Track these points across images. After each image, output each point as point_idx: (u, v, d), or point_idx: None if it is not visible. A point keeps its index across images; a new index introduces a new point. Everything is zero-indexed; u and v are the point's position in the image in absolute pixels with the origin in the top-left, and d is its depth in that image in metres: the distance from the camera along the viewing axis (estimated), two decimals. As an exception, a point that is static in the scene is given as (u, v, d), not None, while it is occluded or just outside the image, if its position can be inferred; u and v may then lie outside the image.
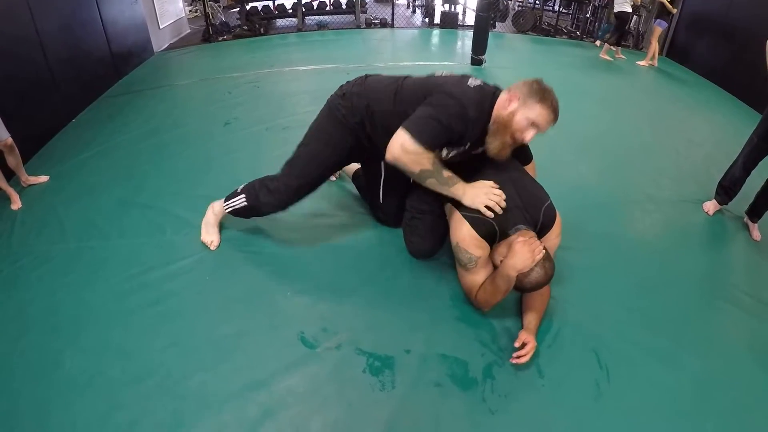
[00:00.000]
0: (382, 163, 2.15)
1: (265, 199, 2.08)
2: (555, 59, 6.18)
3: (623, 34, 6.63)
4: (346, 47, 5.85)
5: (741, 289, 2.25)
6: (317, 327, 1.76)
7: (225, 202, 2.16)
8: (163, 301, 1.86)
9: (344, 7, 7.40)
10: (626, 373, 1.75)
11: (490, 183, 1.77)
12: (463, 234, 1.76)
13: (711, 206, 2.86)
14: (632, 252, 2.42)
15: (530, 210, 1.80)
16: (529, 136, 1.75)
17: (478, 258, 1.77)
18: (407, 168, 1.73)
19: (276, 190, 2.07)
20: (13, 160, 2.48)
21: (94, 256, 2.10)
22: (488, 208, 1.72)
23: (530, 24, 7.87)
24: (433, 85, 1.82)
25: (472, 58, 5.44)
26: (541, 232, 1.83)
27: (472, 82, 1.81)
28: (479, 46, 5.39)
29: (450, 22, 7.62)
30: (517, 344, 1.69)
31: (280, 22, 7.01)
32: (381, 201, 2.27)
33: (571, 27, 8.49)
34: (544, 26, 8.02)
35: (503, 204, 1.73)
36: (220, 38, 5.77)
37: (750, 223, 2.73)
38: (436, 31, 7.43)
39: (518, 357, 1.66)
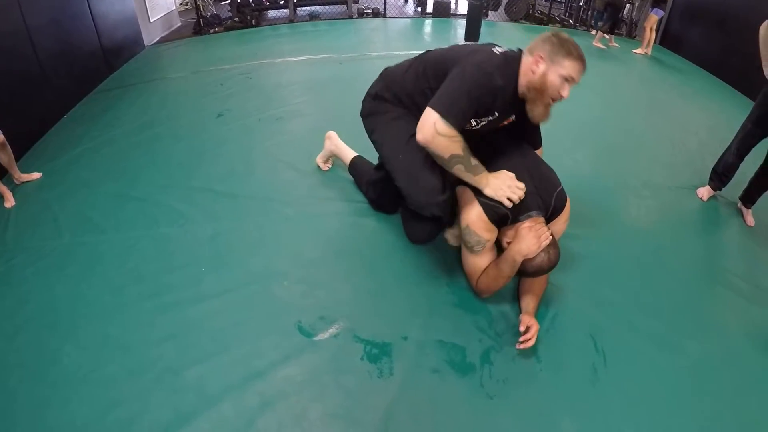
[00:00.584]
0: None
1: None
2: None
3: (616, 22, 6.53)
4: (338, 37, 5.76)
5: (736, 273, 2.24)
6: (314, 315, 1.74)
7: None
8: (160, 294, 1.82)
9: (336, -3, 7.28)
10: (623, 357, 1.74)
11: (512, 175, 1.73)
12: (474, 217, 1.74)
13: (705, 192, 2.85)
14: (628, 237, 2.42)
15: (543, 195, 1.78)
16: (566, 92, 1.70)
17: (486, 241, 1.75)
18: (438, 152, 1.67)
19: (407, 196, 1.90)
20: (6, 158, 2.42)
21: (89, 250, 2.06)
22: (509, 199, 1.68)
23: (523, 12, 7.77)
24: (456, 56, 1.75)
25: None
26: (551, 216, 1.82)
27: (497, 49, 1.76)
28: (472, 35, 5.31)
29: (443, 11, 7.51)
30: (521, 328, 1.67)
31: (272, 13, 6.89)
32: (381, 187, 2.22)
33: (564, 15, 8.39)
34: (537, 14, 7.91)
35: (522, 195, 1.70)
36: (211, 30, 5.66)
37: (744, 209, 2.73)
38: (428, 21, 7.32)
39: (524, 341, 1.64)
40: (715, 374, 1.73)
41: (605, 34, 6.29)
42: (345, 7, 7.29)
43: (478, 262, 1.80)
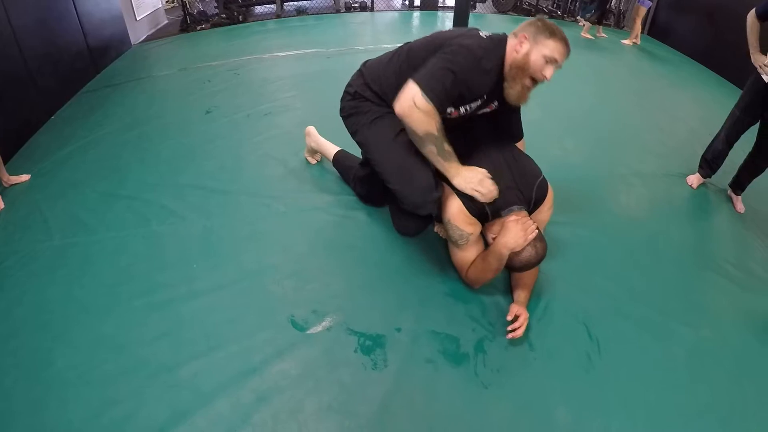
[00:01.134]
0: None
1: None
2: None
3: (604, 12, 6.50)
4: (325, 32, 5.69)
5: (727, 260, 2.25)
6: (307, 309, 1.73)
7: None
8: (152, 292, 1.80)
9: (323, -9, 7.19)
10: (616, 344, 1.74)
11: (485, 171, 1.69)
12: (455, 211, 1.72)
13: (695, 180, 2.86)
14: (618, 225, 2.40)
15: (523, 189, 1.77)
16: (549, 72, 1.68)
17: (469, 235, 1.74)
18: (413, 127, 1.61)
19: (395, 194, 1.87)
20: (-7, 161, 2.37)
21: (80, 251, 2.03)
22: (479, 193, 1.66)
23: (511, 4, 7.71)
24: (442, 39, 1.71)
25: None
26: (534, 207, 1.81)
27: (483, 33, 1.73)
28: (460, 27, 5.26)
29: (430, 3, 7.43)
30: (509, 317, 1.67)
31: (259, 9, 6.79)
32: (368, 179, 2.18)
33: (552, 6, 8.34)
34: (524, 6, 7.86)
35: (494, 195, 1.67)
36: (198, 27, 5.57)
37: (734, 196, 2.74)
38: (416, 14, 7.25)
39: (513, 331, 1.65)
40: (709, 360, 1.73)
41: (593, 25, 6.25)
42: (332, 1, 7.21)
43: (465, 255, 1.80)
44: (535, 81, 1.70)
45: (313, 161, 2.60)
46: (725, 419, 1.54)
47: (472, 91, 1.69)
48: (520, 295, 1.79)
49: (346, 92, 1.97)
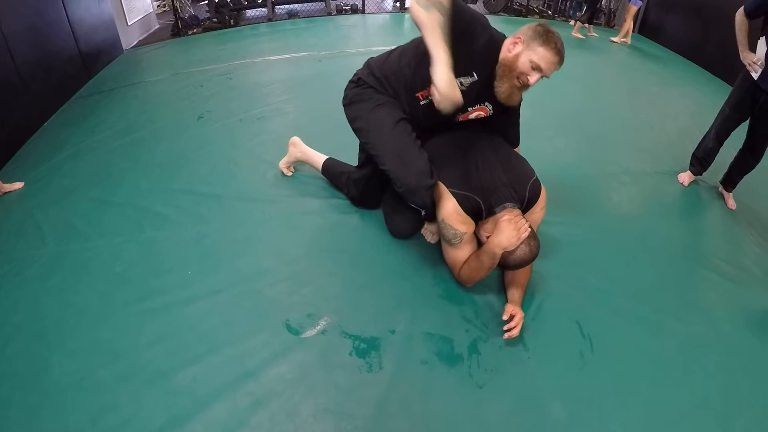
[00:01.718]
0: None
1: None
2: None
3: (595, 11, 6.51)
4: (317, 35, 5.68)
5: (719, 256, 2.25)
6: (302, 313, 1.73)
7: None
8: (148, 298, 1.79)
9: (314, -6, 7.17)
10: (610, 341, 1.75)
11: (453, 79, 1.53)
12: (449, 210, 1.73)
13: (686, 177, 2.85)
14: (610, 224, 2.40)
15: (517, 187, 1.78)
16: (533, 79, 1.67)
17: (463, 234, 1.74)
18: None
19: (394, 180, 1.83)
20: (-14, 169, 2.35)
21: (74, 258, 2.01)
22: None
23: (502, 5, 7.71)
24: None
25: None
26: (527, 207, 1.82)
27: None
28: None
29: (421, 5, 7.44)
30: (505, 317, 1.66)
31: (250, 13, 6.76)
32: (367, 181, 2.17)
33: (543, 7, 8.35)
34: (515, 6, 7.87)
35: (451, 98, 1.51)
36: (190, 32, 5.53)
37: (725, 193, 2.73)
38: (407, 15, 7.21)
39: (509, 330, 1.64)
40: (703, 356, 1.73)
41: (584, 24, 6.26)
42: (323, 4, 7.19)
43: (458, 254, 1.80)
44: (521, 83, 1.70)
45: (288, 173, 2.54)
46: (720, 413, 1.55)
47: (474, 39, 1.65)
48: (515, 294, 1.79)
49: (350, 81, 1.97)
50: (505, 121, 1.96)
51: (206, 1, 6.09)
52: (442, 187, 1.77)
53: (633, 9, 5.97)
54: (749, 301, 2.02)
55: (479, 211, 1.73)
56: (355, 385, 1.51)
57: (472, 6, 8.06)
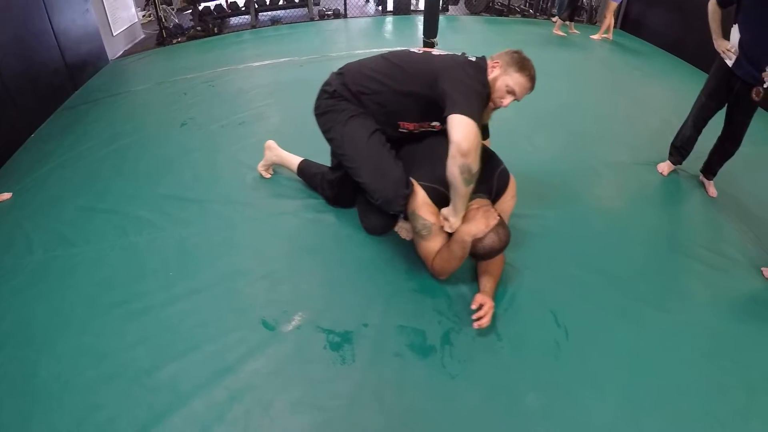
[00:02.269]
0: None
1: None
2: (508, 37, 6.01)
3: (576, 9, 6.43)
4: (299, 40, 5.65)
5: (700, 243, 2.21)
6: (278, 310, 1.74)
7: None
8: (132, 300, 1.81)
9: (297, 0, 7.13)
10: (586, 330, 1.71)
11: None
12: (419, 201, 1.74)
13: (665, 167, 2.80)
14: (588, 215, 2.37)
15: (484, 179, 1.77)
16: (506, 101, 1.76)
17: (432, 224, 1.74)
18: (474, 165, 1.58)
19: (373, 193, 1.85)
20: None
21: (61, 265, 2.02)
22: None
23: (483, 5, 7.60)
24: (434, 67, 1.74)
25: (423, 41, 5.22)
26: (496, 197, 1.82)
27: (469, 58, 1.80)
28: (430, 30, 5.14)
29: (403, 8, 7.37)
30: (473, 306, 1.64)
31: (234, 20, 6.71)
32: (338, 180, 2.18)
33: (525, 6, 8.25)
34: (497, 6, 7.75)
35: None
36: (175, 41, 5.47)
37: (705, 181, 2.69)
38: (389, 18, 7.17)
39: (478, 320, 1.61)
40: (684, 344, 1.70)
41: (565, 22, 6.19)
42: (306, 9, 7.15)
43: (429, 245, 1.79)
44: (494, 105, 1.78)
45: (267, 175, 2.55)
46: (701, 400, 1.52)
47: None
48: (486, 284, 1.77)
49: (323, 90, 1.96)
50: None
51: (190, 10, 6.01)
52: (413, 180, 1.78)
53: (613, 5, 5.89)
54: (731, 288, 1.99)
55: (448, 203, 1.73)
56: (328, 378, 1.52)
57: (453, 7, 8.00)
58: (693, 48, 5.17)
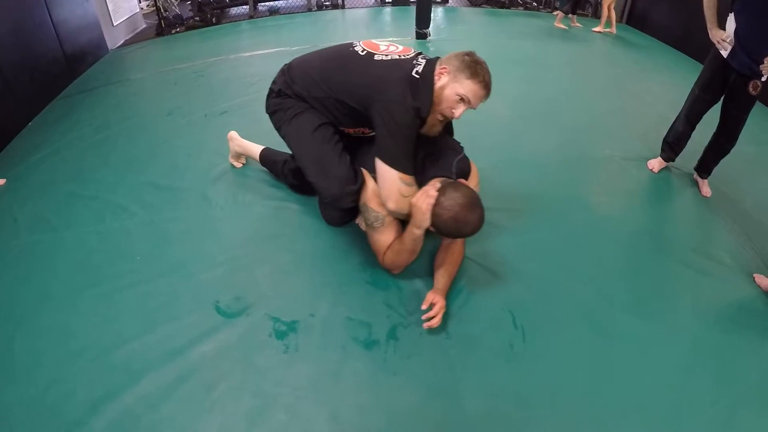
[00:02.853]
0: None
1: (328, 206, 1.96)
2: (507, 29, 5.80)
3: (578, 1, 6.13)
4: (295, 30, 5.57)
5: (686, 245, 2.04)
6: (231, 296, 1.75)
7: None
8: (102, 283, 1.84)
9: (294, -9, 7.00)
10: (546, 334, 1.57)
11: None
12: (370, 193, 1.67)
13: (656, 164, 2.57)
14: (567, 211, 2.19)
15: (443, 166, 1.68)
16: (458, 112, 1.57)
17: (384, 216, 1.66)
18: (404, 213, 1.58)
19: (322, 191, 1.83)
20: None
21: (43, 248, 2.05)
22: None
23: None
24: (370, 90, 1.59)
25: (416, 32, 5.10)
26: None
27: (415, 67, 1.60)
28: (422, 20, 5.01)
29: (402, -2, 7.21)
30: (424, 306, 1.53)
31: (233, 11, 6.61)
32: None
33: None
34: None
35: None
36: (173, 31, 5.42)
37: (699, 180, 2.47)
38: (387, 9, 6.99)
39: (428, 320, 1.50)
40: (658, 355, 1.52)
41: (567, 15, 5.95)
42: (305, 0, 7.03)
43: (382, 238, 1.71)
44: (444, 115, 1.60)
45: (238, 165, 2.52)
46: (669, 415, 1.37)
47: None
48: (440, 280, 1.64)
49: (270, 90, 1.90)
50: None
51: (190, 0, 5.93)
52: (364, 172, 1.72)
53: None
54: (718, 294, 1.81)
55: None
56: (270, 366, 1.49)
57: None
58: (698, 43, 4.87)
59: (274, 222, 2.15)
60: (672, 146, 2.54)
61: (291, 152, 1.94)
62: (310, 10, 6.88)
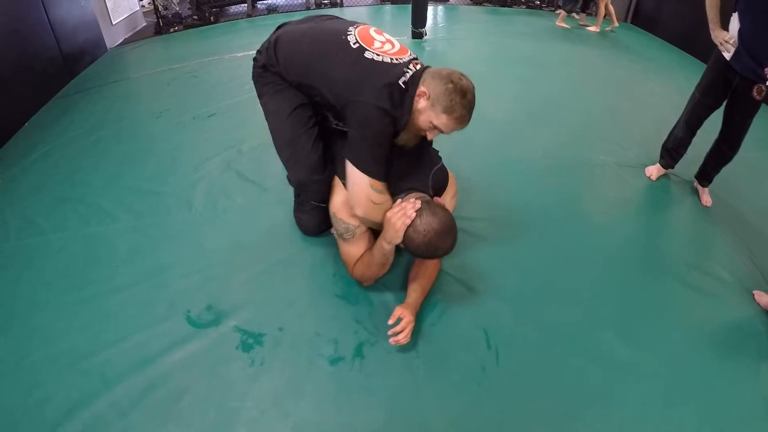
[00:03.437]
0: None
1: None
2: (507, 28, 5.58)
3: (587, 1, 5.86)
4: (291, 28, 5.44)
5: (682, 259, 1.84)
6: (202, 306, 1.71)
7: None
8: (82, 288, 1.82)
9: (293, -12, 6.84)
10: (521, 357, 1.44)
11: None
12: (339, 204, 1.60)
13: (654, 171, 2.38)
14: (556, 223, 2.00)
15: (419, 177, 1.61)
16: (431, 136, 1.52)
17: (355, 228, 1.59)
18: (377, 221, 1.49)
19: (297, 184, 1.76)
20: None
21: (29, 251, 2.04)
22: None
23: None
24: (352, 90, 1.46)
25: (412, 32, 4.95)
26: (436, 195, 1.65)
27: (394, 76, 1.46)
28: (419, 19, 4.85)
29: (401, -4, 7.01)
30: (390, 321, 1.42)
31: (232, 9, 6.48)
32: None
33: None
34: None
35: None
36: (172, 30, 5.33)
37: (700, 188, 2.28)
38: (387, 7, 6.79)
39: (395, 335, 1.40)
40: (641, 381, 1.38)
41: (570, 14, 5.74)
42: (303, -2, 6.88)
43: (352, 250, 1.63)
44: (419, 134, 1.54)
45: None
46: None
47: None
48: (411, 295, 1.53)
49: (254, 59, 1.73)
50: None
51: (189, -1, 5.81)
52: (336, 181, 1.65)
53: None
54: (713, 314, 1.63)
55: None
56: (235, 379, 1.45)
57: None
58: (705, 44, 4.71)
59: (251, 230, 2.10)
60: (671, 153, 2.35)
61: (268, 126, 1.80)
62: (308, 8, 6.75)
